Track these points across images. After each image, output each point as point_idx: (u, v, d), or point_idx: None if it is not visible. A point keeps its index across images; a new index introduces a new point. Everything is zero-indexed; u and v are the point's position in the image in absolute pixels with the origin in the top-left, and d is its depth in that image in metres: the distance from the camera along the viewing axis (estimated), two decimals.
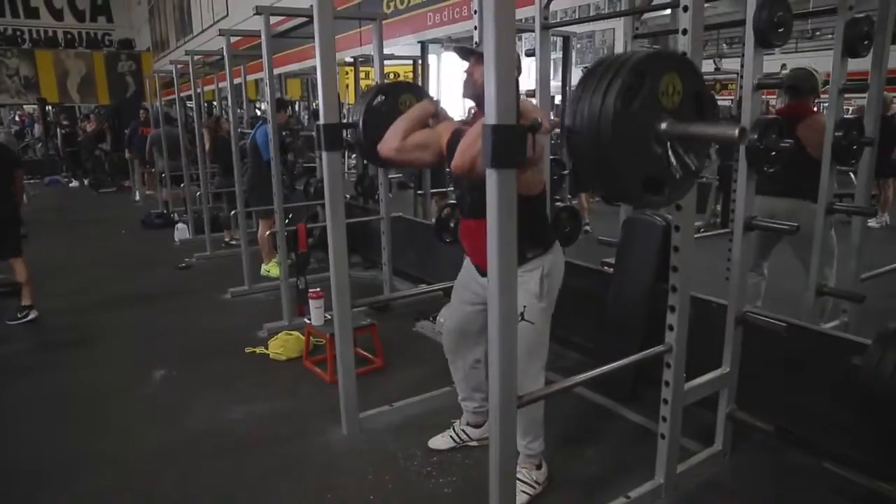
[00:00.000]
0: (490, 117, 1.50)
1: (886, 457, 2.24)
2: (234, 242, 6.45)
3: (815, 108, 3.22)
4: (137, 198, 10.38)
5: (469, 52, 2.29)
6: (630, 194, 1.60)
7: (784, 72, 6.64)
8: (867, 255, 3.11)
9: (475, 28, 3.03)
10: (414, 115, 2.45)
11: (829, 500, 2.28)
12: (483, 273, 2.30)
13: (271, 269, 5.34)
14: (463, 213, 2.45)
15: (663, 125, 1.48)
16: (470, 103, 2.43)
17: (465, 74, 2.29)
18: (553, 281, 2.28)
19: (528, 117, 1.63)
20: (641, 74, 1.44)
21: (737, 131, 1.39)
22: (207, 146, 6.74)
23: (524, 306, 2.18)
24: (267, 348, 3.77)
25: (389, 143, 2.40)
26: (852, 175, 6.73)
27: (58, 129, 15.00)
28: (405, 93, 2.76)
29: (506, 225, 1.54)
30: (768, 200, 3.31)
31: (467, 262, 2.49)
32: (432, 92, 7.60)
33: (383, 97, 2.70)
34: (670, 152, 1.52)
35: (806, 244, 3.01)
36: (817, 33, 13.19)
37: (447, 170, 2.49)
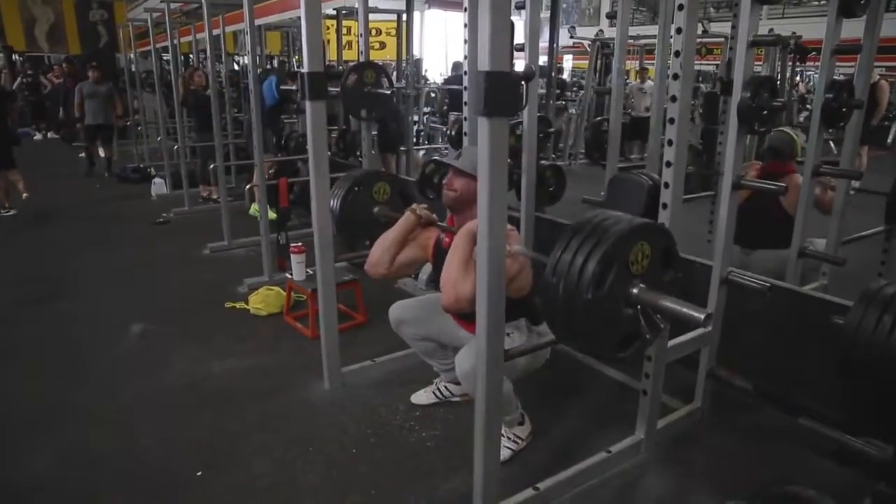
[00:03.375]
0: (483, 63, 1.46)
1: (858, 413, 2.29)
2: (213, 198, 6.35)
3: (795, 169, 3.25)
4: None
5: (447, 165, 2.38)
6: (603, 355, 1.75)
7: (772, 34, 6.60)
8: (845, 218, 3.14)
9: None
10: (398, 235, 2.44)
11: (803, 454, 2.33)
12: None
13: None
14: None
15: (634, 290, 1.55)
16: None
17: (445, 185, 2.36)
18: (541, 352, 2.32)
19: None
20: (611, 260, 1.48)
21: (703, 317, 1.46)
22: (181, 98, 6.58)
23: (510, 332, 2.23)
24: (247, 303, 3.73)
25: (378, 269, 2.45)
26: (832, 144, 6.79)
27: (19, 79, 14.44)
28: (378, 182, 2.83)
29: (498, 174, 1.51)
30: (743, 252, 3.35)
31: None
32: (415, 49, 7.44)
33: (358, 188, 2.77)
34: (640, 315, 1.59)
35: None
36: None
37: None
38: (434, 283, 2.43)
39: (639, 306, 1.58)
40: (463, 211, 2.32)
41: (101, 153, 8.60)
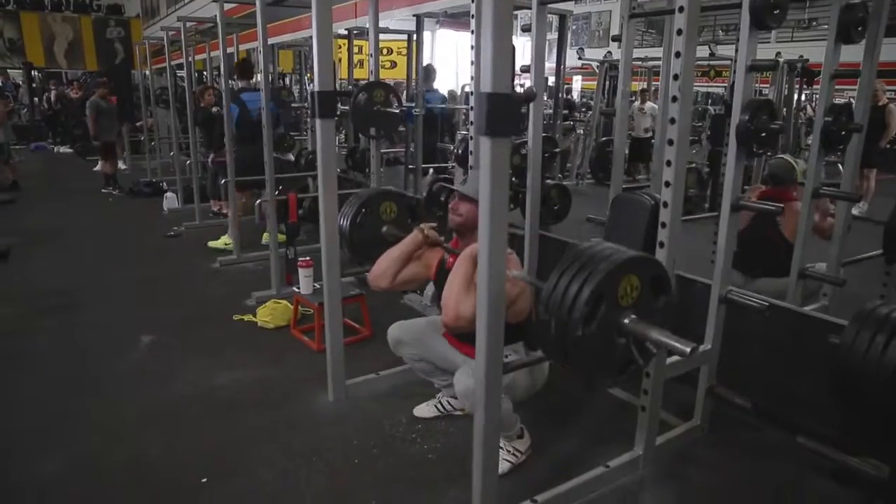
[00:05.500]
0: (485, 85, 1.52)
1: (854, 432, 2.31)
2: (223, 212, 6.43)
3: (795, 196, 3.30)
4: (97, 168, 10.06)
5: (451, 191, 2.50)
6: (600, 382, 1.84)
7: (779, 59, 6.67)
8: (848, 242, 3.17)
9: (472, 1, 3.02)
10: (404, 251, 2.53)
11: (802, 474, 2.35)
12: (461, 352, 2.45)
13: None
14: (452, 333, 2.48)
15: (625, 321, 1.60)
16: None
17: (450, 210, 2.45)
18: (540, 372, 2.39)
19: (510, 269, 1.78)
20: (599, 297, 1.53)
21: (689, 349, 1.52)
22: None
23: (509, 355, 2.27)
24: (255, 316, 3.79)
25: (380, 282, 2.55)
26: (840, 166, 6.85)
27: (43, 94, 14.78)
28: (384, 201, 2.95)
29: (498, 194, 1.56)
30: (745, 280, 3.36)
31: None
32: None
33: (366, 209, 2.89)
34: (632, 344, 1.63)
35: None
36: (813, 23, 13.23)
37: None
38: (437, 301, 2.47)
39: (630, 336, 1.64)
40: (467, 235, 2.39)
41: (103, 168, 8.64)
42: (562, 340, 1.55)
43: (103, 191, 8.24)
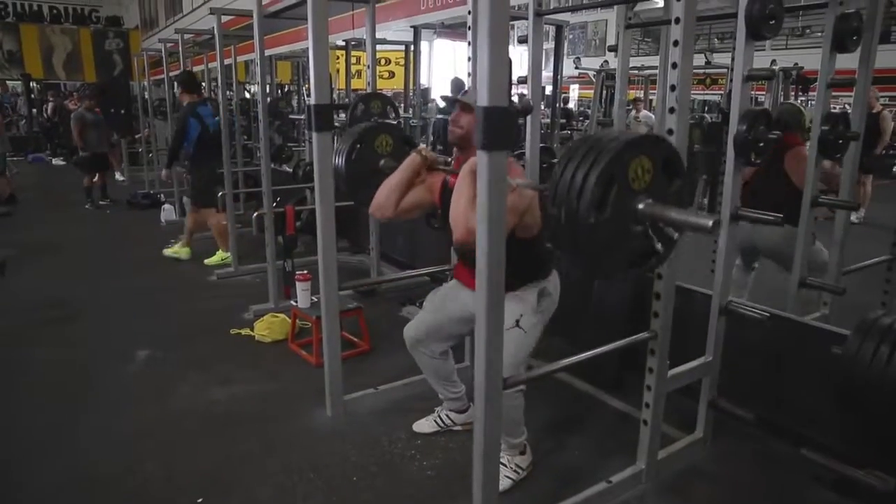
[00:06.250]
0: (482, 99, 1.50)
1: (859, 443, 2.29)
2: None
3: (801, 141, 3.28)
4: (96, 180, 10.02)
5: (453, 101, 2.34)
6: (616, 275, 1.68)
7: (774, 67, 6.68)
8: (848, 248, 3.15)
9: (469, 13, 3.01)
10: (403, 176, 2.41)
11: (807, 486, 2.32)
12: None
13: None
14: (463, 260, 2.45)
15: (640, 206, 1.52)
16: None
17: (451, 123, 2.33)
18: (550, 301, 2.35)
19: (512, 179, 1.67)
20: (609, 179, 1.45)
21: (710, 223, 1.44)
22: None
23: (521, 315, 2.24)
24: (252, 330, 3.76)
25: (384, 212, 2.42)
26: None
27: (42, 106, 14.81)
28: (380, 134, 2.79)
29: (496, 206, 1.54)
30: (748, 227, 3.33)
31: (454, 281, 2.53)
32: (423, 78, 7.57)
33: (360, 144, 2.74)
34: (650, 230, 1.56)
35: (786, 263, 3.12)
36: (807, 31, 13.30)
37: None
38: (444, 223, 2.39)
39: (647, 222, 1.55)
40: (468, 148, 2.28)
41: (95, 179, 8.45)
42: (572, 232, 1.44)
43: (101, 203, 8.21)
